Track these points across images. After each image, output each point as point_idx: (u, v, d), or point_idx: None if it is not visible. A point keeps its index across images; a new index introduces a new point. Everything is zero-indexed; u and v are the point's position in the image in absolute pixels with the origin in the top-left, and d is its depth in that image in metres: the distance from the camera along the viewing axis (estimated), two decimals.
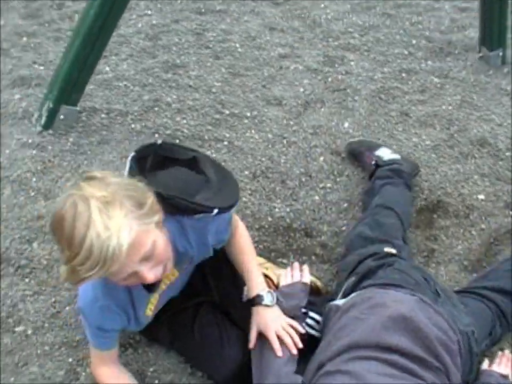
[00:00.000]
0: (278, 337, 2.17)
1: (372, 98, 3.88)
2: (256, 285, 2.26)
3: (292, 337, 2.18)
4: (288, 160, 3.36)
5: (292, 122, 3.64)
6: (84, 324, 2.14)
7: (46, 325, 2.49)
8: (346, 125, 3.64)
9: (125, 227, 1.67)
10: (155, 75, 3.98)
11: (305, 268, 2.50)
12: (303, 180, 3.26)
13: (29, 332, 2.46)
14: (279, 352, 2.17)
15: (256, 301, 2.23)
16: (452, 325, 2.21)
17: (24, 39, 4.41)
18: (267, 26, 4.63)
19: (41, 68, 4.07)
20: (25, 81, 3.91)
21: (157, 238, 1.80)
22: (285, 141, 3.49)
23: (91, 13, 3.19)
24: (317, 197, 3.17)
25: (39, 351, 2.40)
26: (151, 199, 1.79)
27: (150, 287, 2.03)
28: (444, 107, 3.81)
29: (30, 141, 3.38)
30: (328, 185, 3.25)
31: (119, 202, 1.68)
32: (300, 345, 2.18)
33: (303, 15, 4.83)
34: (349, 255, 2.66)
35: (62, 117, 3.43)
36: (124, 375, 2.23)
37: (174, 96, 3.78)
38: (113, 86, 3.84)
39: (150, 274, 1.82)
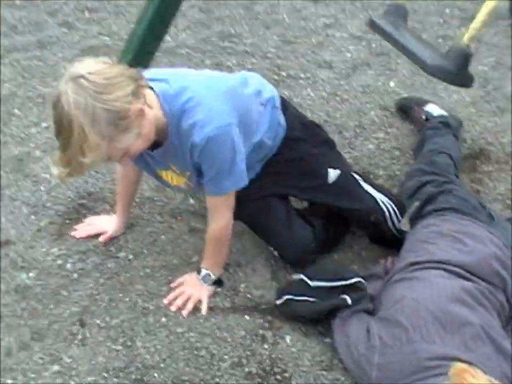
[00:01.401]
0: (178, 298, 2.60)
1: None
2: (207, 263, 2.62)
3: (187, 306, 2.58)
4: (343, 115, 3.69)
5: (342, 82, 3.97)
6: None
7: (145, 251, 2.82)
8: (392, 84, 3.98)
9: (99, 153, 1.99)
10: (213, 43, 4.33)
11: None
12: (358, 131, 3.59)
13: (130, 257, 2.79)
14: (165, 300, 2.60)
15: (198, 270, 2.62)
16: (505, 242, 2.53)
17: (87, 14, 4.74)
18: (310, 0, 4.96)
19: (107, 38, 4.41)
20: (93, 50, 4.25)
21: (129, 147, 2.11)
22: (338, 98, 3.83)
23: None
24: (371, 146, 3.49)
25: (141, 273, 2.72)
26: (133, 109, 2.03)
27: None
28: (480, 68, 4.14)
29: None
30: (381, 135, 3.57)
31: (95, 130, 1.95)
32: (184, 313, 2.55)
33: None
34: (408, 181, 2.97)
35: None
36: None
37: (234, 61, 4.13)
38: (176, 53, 4.18)
39: (122, 162, 2.32)
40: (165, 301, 2.60)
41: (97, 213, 2.98)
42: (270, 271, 2.76)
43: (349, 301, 2.43)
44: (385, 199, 2.78)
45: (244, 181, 2.38)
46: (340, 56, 4.24)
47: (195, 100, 2.18)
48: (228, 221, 2.50)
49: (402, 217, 2.76)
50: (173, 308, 2.57)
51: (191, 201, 3.08)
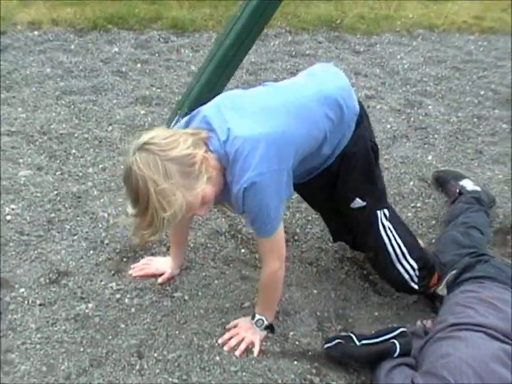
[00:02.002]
0: (232, 339, 2.76)
1: (450, 137, 4.46)
2: (260, 308, 2.78)
3: (240, 347, 2.72)
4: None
5: (383, 152, 4.17)
6: None
7: (200, 293, 2.98)
8: (429, 157, 4.20)
9: (178, 204, 2.18)
10: None
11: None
12: (397, 199, 3.77)
13: (186, 297, 2.95)
14: (220, 340, 2.75)
15: (253, 315, 2.77)
16: None
17: (139, 65, 4.99)
18: (352, 71, 5.26)
19: (159, 90, 4.65)
20: (146, 100, 4.48)
21: (204, 193, 2.27)
22: None
23: (226, 42, 3.70)
24: (409, 214, 3.67)
25: (195, 313, 2.87)
26: (198, 156, 2.22)
27: None
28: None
29: None
30: (418, 205, 3.76)
31: (169, 183, 2.15)
32: (237, 353, 2.70)
33: (382, 64, 5.49)
34: (447, 255, 3.15)
35: None
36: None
37: None
38: None
39: (202, 212, 2.37)
40: (220, 341, 2.75)
41: (153, 254, 3.15)
42: (316, 321, 2.91)
43: (397, 345, 2.59)
44: (397, 242, 2.91)
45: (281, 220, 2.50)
46: (380, 127, 4.47)
47: (233, 153, 2.32)
48: (277, 268, 2.63)
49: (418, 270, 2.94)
50: (226, 348, 2.72)
51: (243, 250, 3.25)
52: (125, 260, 3.11)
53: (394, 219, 2.95)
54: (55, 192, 3.50)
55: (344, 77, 2.83)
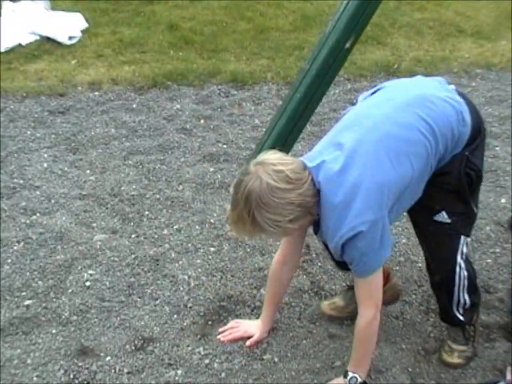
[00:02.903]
0: None
1: None
2: (353, 364, 2.70)
3: None
4: None
5: None
6: None
7: (289, 354, 2.96)
8: (503, 200, 4.15)
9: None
10: None
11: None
12: (475, 245, 3.72)
13: (276, 359, 2.92)
14: None
15: (345, 373, 2.69)
16: None
17: (202, 121, 5.02)
18: None
19: (225, 146, 4.67)
20: (213, 156, 4.50)
21: (293, 231, 2.48)
22: None
23: (296, 96, 3.71)
24: (489, 260, 3.62)
25: (287, 375, 2.85)
26: (282, 230, 2.39)
27: None
28: None
29: None
30: (497, 250, 3.70)
31: (252, 222, 2.36)
32: None
33: None
34: None
35: None
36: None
37: None
38: None
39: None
40: None
41: (237, 316, 3.14)
42: (409, 378, 2.87)
43: None
44: (464, 274, 2.80)
45: (386, 254, 2.48)
46: None
47: (329, 202, 2.39)
48: (371, 316, 2.56)
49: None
50: None
51: None
52: (210, 323, 3.10)
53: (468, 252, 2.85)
54: (133, 256, 3.51)
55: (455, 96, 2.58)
